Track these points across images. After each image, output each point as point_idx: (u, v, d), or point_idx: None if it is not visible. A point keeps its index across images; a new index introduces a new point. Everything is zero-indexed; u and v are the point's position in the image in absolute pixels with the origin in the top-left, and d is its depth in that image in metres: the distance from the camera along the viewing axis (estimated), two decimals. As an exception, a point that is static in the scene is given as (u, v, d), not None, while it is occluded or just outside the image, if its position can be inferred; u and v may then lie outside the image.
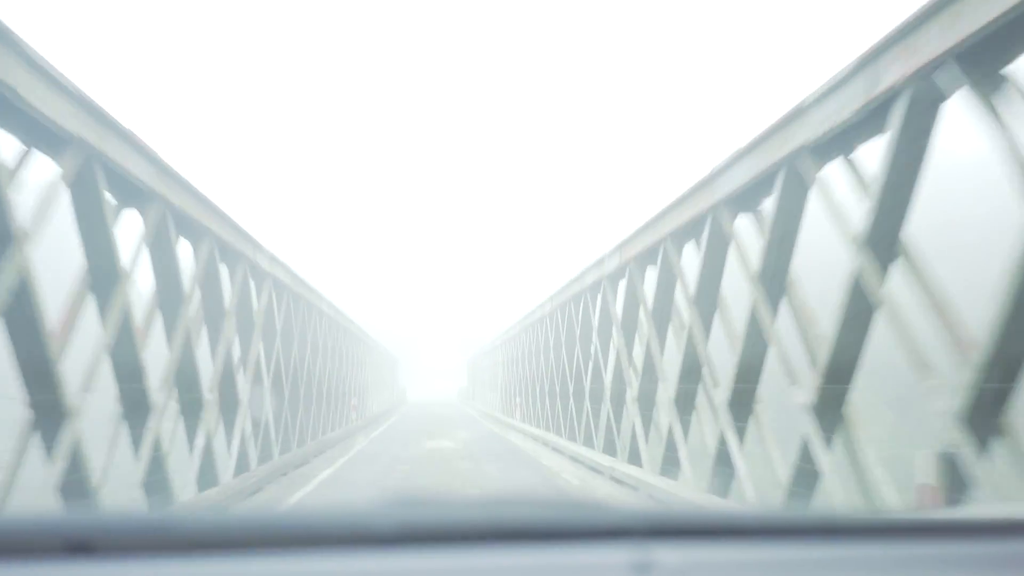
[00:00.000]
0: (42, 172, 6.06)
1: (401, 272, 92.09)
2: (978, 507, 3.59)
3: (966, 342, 4.64)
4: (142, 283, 8.83)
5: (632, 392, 11.10)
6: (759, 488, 7.18)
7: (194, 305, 9.17)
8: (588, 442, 13.76)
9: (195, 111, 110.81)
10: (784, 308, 6.80)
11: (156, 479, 7.74)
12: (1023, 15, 3.95)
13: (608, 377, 12.64)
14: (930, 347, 5.06)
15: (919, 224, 5.38)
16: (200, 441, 9.18)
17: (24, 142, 5.68)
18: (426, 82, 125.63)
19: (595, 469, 12.16)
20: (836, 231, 5.76)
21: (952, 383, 4.61)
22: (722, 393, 7.71)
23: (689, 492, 8.21)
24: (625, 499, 9.43)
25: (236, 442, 10.71)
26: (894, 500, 5.46)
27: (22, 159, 5.63)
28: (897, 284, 5.26)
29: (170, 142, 74.36)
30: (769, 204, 6.81)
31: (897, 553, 1.21)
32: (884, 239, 5.26)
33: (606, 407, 12.61)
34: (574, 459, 13.83)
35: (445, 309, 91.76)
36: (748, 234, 7.43)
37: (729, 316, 8.14)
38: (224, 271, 10.53)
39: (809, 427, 6.05)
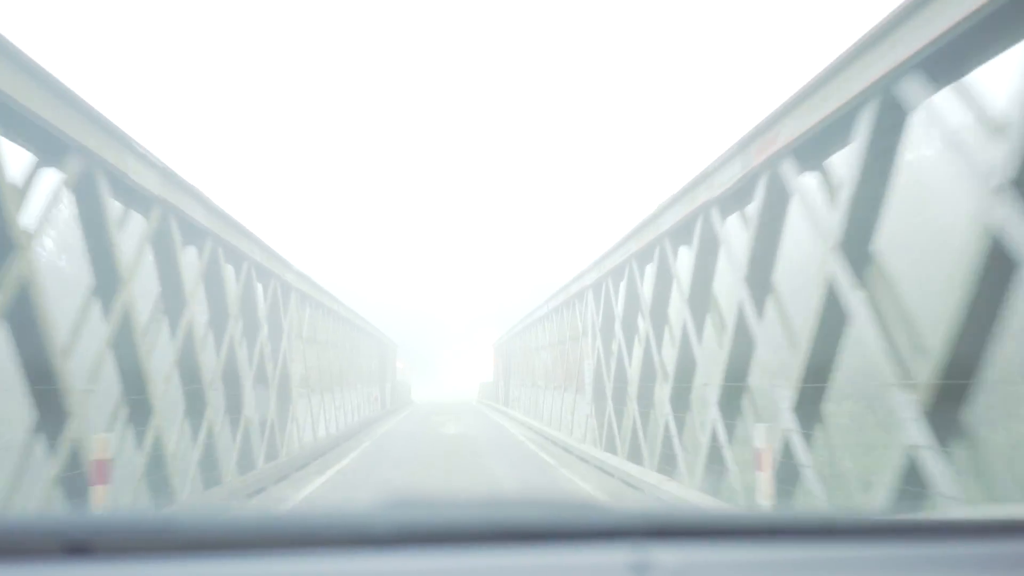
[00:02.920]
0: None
1: (419, 248, 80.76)
2: (975, 508, 3.66)
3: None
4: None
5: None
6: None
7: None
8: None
9: (204, 102, 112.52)
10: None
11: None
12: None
13: None
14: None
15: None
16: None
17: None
18: (454, 58, 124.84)
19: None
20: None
21: None
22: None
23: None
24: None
25: None
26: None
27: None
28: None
29: (173, 137, 75.59)
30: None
31: (895, 553, 1.21)
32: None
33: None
34: None
35: (472, 287, 78.45)
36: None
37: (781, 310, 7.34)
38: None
39: (918, 436, 4.86)
